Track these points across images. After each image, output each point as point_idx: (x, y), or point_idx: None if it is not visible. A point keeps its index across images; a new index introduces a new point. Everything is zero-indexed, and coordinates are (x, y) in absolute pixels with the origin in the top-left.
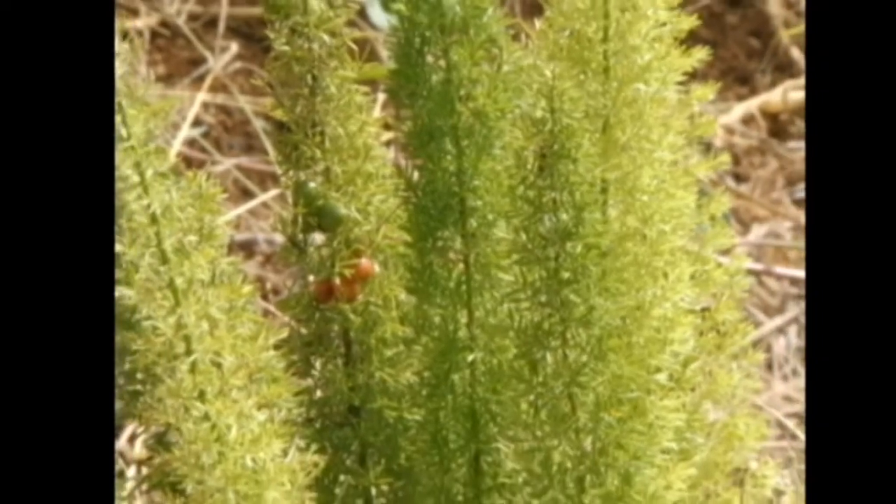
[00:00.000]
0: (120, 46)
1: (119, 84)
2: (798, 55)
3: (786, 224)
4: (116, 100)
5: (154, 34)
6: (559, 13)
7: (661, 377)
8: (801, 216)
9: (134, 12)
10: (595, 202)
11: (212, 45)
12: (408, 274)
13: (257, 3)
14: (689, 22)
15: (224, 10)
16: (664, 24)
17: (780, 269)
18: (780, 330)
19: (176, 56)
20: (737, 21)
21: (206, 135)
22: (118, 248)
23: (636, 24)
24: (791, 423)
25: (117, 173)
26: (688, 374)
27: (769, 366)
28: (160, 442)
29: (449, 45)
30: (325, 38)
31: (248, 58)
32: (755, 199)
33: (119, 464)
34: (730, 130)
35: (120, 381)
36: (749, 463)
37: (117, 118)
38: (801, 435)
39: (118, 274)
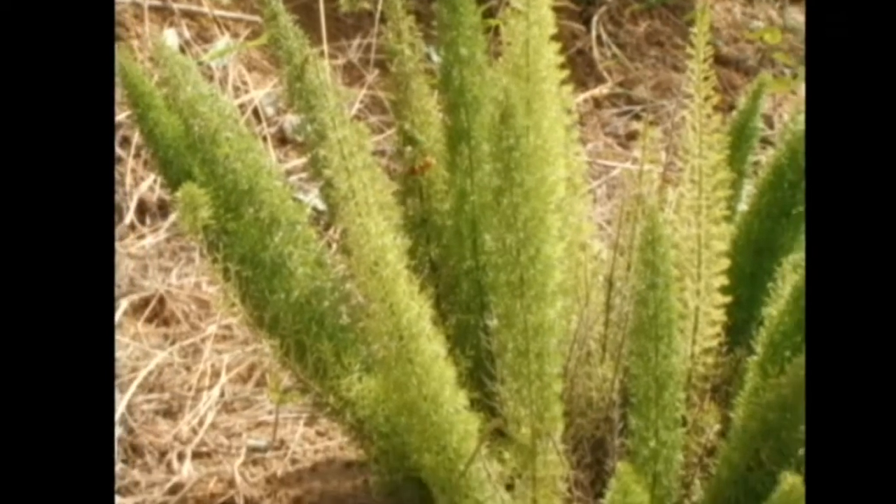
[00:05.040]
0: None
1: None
2: None
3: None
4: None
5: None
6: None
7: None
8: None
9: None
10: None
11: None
12: (444, 163)
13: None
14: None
15: None
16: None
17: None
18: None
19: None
20: None
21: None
22: (328, 173)
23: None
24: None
25: (330, 156)
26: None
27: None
28: (344, 238)
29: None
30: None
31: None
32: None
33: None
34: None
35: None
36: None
37: (335, 134)
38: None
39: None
